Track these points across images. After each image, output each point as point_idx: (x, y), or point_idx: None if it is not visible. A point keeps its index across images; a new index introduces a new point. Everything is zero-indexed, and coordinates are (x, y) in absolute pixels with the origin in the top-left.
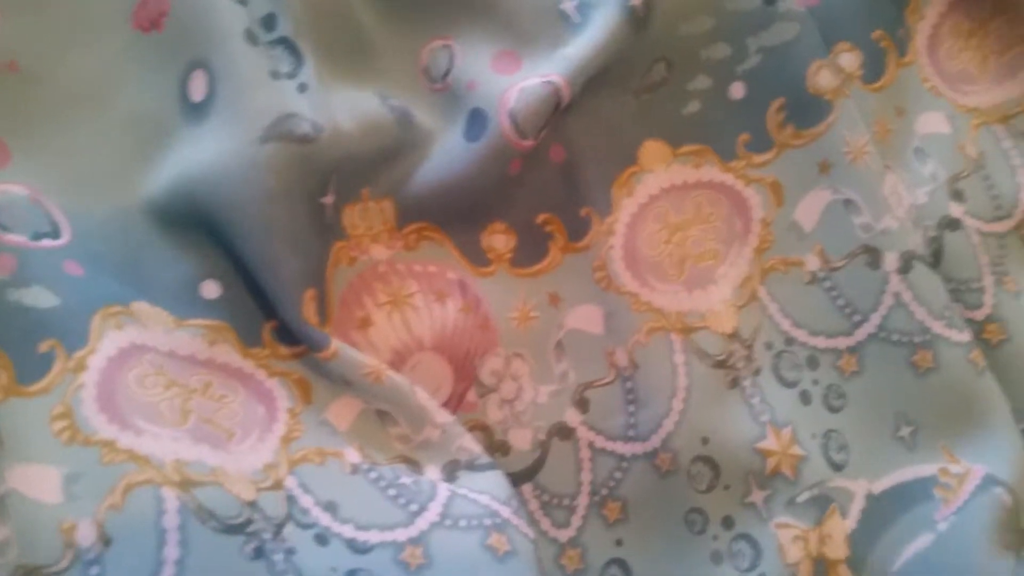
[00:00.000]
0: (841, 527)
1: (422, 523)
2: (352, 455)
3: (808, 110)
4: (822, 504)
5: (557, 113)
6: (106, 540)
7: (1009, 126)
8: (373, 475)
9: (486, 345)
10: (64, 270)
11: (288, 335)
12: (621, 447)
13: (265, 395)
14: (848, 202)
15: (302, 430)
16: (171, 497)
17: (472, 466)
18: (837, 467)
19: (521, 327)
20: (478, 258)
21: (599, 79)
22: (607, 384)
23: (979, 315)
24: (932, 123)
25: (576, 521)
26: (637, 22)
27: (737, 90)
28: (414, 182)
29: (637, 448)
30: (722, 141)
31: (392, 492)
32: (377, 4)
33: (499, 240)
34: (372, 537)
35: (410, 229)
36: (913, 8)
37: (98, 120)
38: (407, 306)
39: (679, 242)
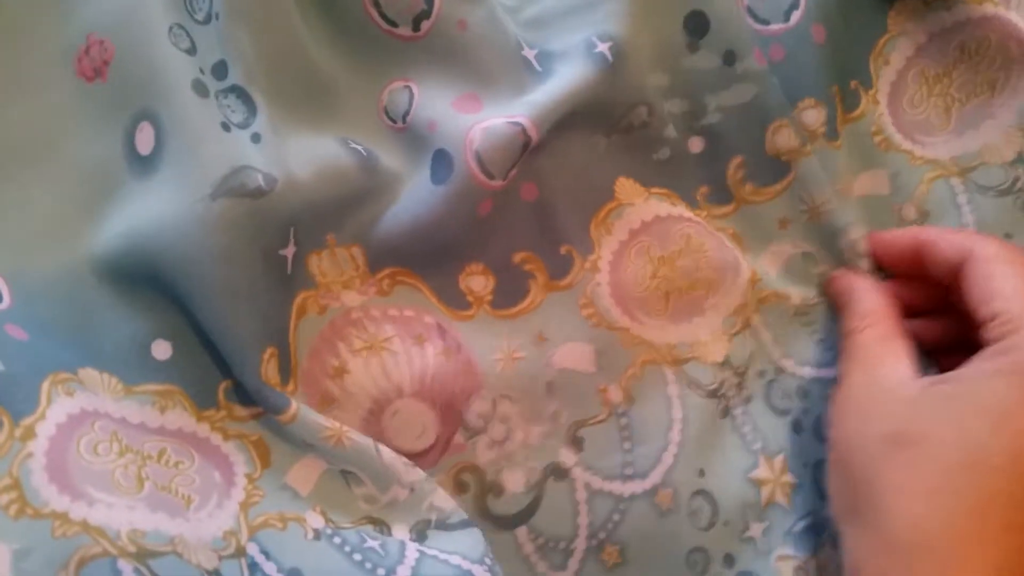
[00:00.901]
0: (832, 558)
1: None
2: (314, 519)
3: (767, 169)
4: (816, 531)
5: (526, 153)
6: None
7: (966, 180)
8: (337, 540)
9: (471, 388)
10: (7, 333)
11: (245, 394)
12: (619, 487)
13: (221, 460)
14: (806, 255)
15: (261, 495)
16: (128, 569)
17: (444, 525)
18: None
19: (507, 368)
20: (457, 301)
21: (569, 120)
22: (601, 422)
23: None
24: (870, 184)
25: (574, 565)
26: (607, 66)
27: (695, 144)
28: (382, 227)
29: (636, 487)
30: (684, 190)
31: (358, 557)
32: (335, 47)
33: (477, 282)
34: None
35: (383, 274)
36: (877, 53)
37: (42, 174)
38: (385, 351)
39: (665, 275)
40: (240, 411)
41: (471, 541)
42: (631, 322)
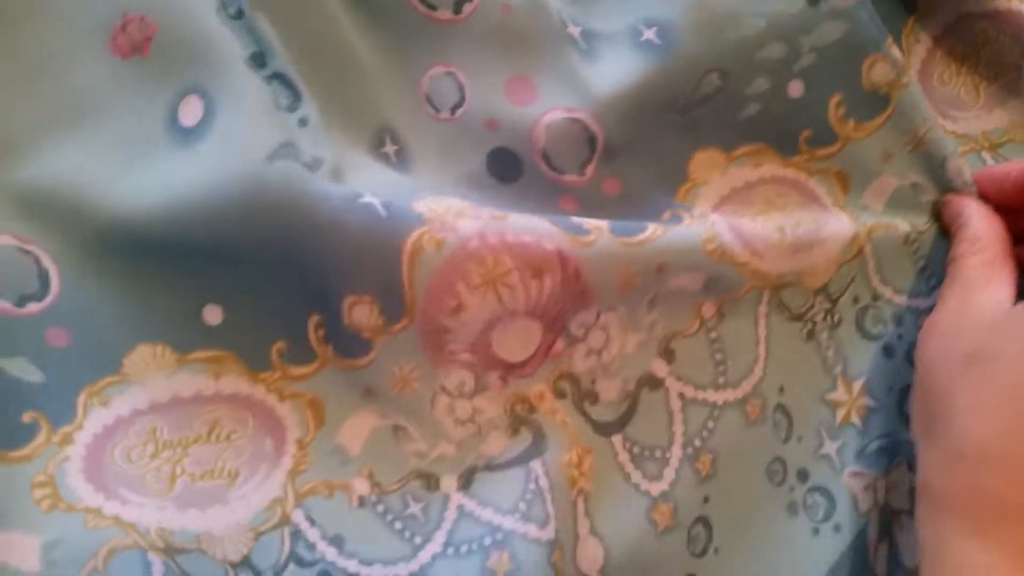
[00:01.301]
0: (906, 478)
1: (424, 556)
2: (360, 485)
3: (866, 104)
4: (889, 455)
5: (598, 148)
6: None
7: (996, 155)
8: (380, 508)
9: (581, 306)
10: (47, 342)
11: (297, 354)
12: (712, 395)
13: (275, 425)
14: (915, 185)
15: (310, 462)
16: (157, 561)
17: (492, 466)
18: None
19: (622, 291)
20: (575, 228)
21: (638, 109)
22: (691, 335)
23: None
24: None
25: (669, 474)
26: (658, 52)
27: (795, 88)
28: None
29: (729, 395)
30: (784, 139)
31: (398, 525)
32: (372, 31)
33: (591, 221)
34: (375, 572)
35: (494, 210)
36: (908, 31)
37: (74, 150)
38: (502, 286)
39: (768, 218)
40: (294, 371)
41: (512, 484)
42: (751, 256)
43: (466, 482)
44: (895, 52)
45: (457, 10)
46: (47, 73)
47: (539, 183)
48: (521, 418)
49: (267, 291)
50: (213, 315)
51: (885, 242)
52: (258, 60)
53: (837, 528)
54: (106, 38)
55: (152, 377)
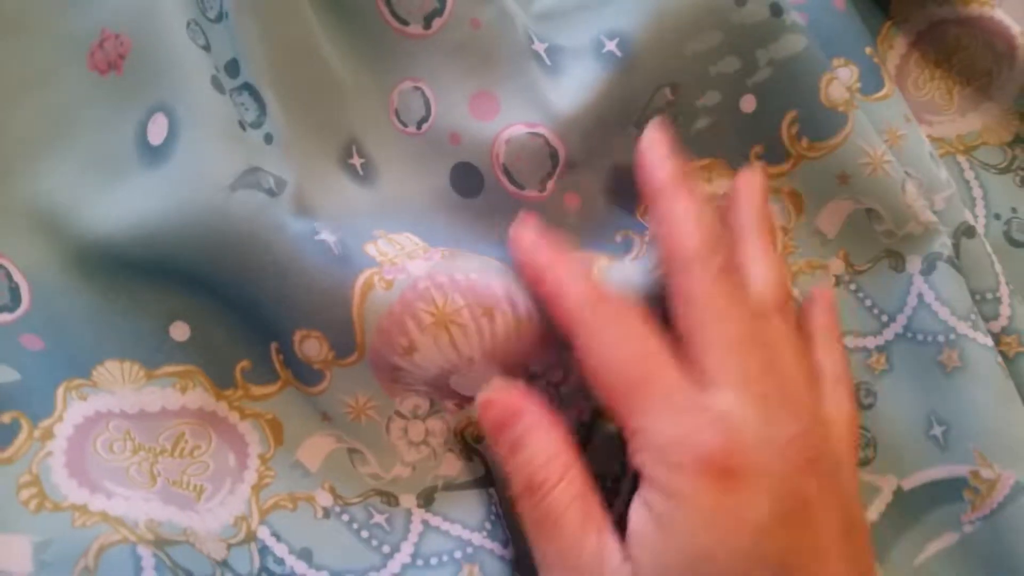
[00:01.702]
0: None
1: (394, 565)
2: (323, 497)
3: (822, 122)
4: None
5: (558, 162)
6: None
7: (971, 158)
8: (345, 517)
9: (542, 354)
10: (23, 345)
11: (260, 374)
12: None
13: (237, 440)
14: (870, 211)
15: (273, 476)
16: (147, 554)
17: (451, 486)
18: (861, 463)
19: None
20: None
21: (598, 123)
22: None
23: (995, 327)
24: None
25: (619, 506)
26: (618, 63)
27: (748, 103)
28: (422, 231)
29: None
30: (734, 153)
31: (365, 534)
32: (344, 44)
33: None
34: None
35: (444, 248)
36: (883, 38)
37: (54, 166)
38: (454, 325)
39: None
40: (256, 390)
41: (475, 504)
42: None
43: (426, 501)
44: (841, 74)
45: (427, 25)
46: (31, 89)
47: (500, 198)
48: (469, 447)
49: (229, 314)
50: (180, 332)
51: (811, 284)
52: (232, 69)
53: None
54: (85, 53)
55: (121, 389)
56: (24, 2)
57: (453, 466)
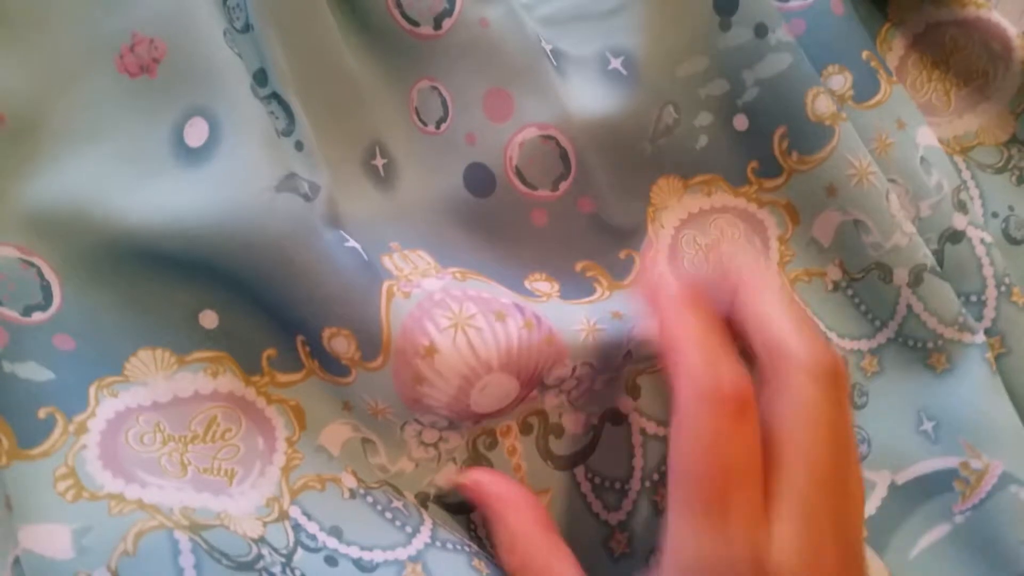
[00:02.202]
0: None
1: (418, 543)
2: (348, 479)
3: (810, 136)
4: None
5: (571, 164)
6: None
7: (967, 159)
8: (369, 499)
9: (554, 358)
10: (55, 345)
11: (285, 363)
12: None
13: (264, 424)
14: (858, 222)
15: (301, 458)
16: (184, 539)
17: (441, 501)
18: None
19: (591, 338)
20: (527, 292)
21: (613, 137)
22: (657, 371)
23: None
24: (928, 136)
25: (627, 505)
26: (624, 81)
27: (740, 122)
28: (433, 238)
29: None
30: (732, 169)
31: (389, 515)
32: (362, 48)
33: (543, 285)
34: (376, 556)
35: (454, 269)
36: (882, 40)
37: (83, 165)
38: (470, 327)
39: (715, 259)
40: (282, 377)
41: (459, 524)
42: None
43: (421, 503)
44: (834, 83)
45: (437, 26)
46: (59, 89)
47: (511, 198)
48: (477, 455)
49: (256, 308)
50: (209, 320)
51: (809, 291)
52: (260, 78)
53: None
54: (114, 55)
55: (153, 378)
56: (51, 2)
57: (447, 478)
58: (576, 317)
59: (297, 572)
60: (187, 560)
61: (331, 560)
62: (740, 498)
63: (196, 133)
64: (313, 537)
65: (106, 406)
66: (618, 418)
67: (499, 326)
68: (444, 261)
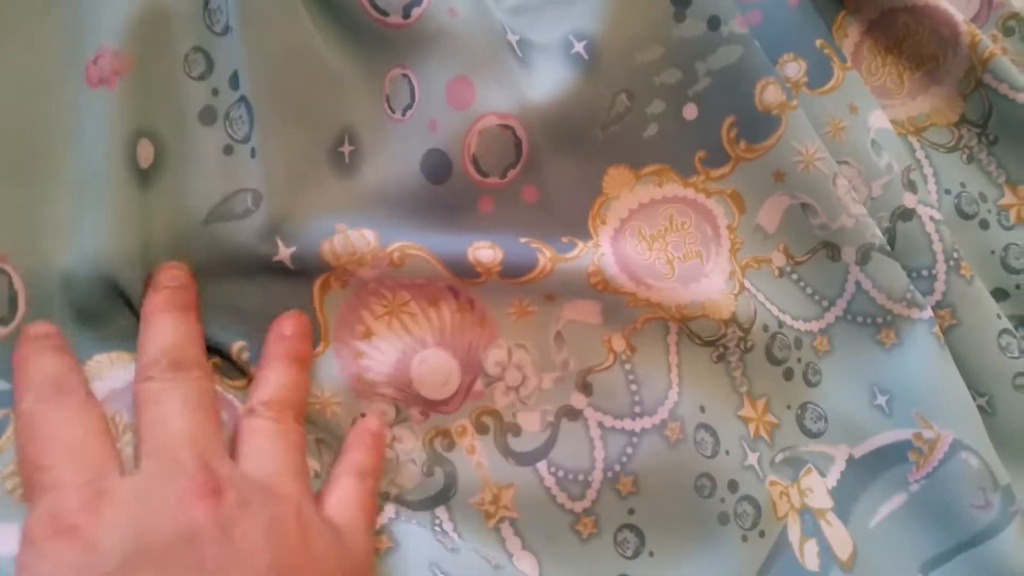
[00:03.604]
0: (820, 482)
1: (388, 512)
2: (311, 464)
3: (758, 125)
4: (796, 465)
5: (522, 153)
6: None
7: (921, 138)
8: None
9: (488, 337)
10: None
11: (230, 370)
12: (630, 424)
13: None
14: (805, 205)
15: None
16: None
17: (403, 501)
18: (813, 434)
19: (520, 320)
20: (466, 271)
21: (564, 122)
22: (607, 368)
23: (929, 301)
24: (880, 119)
25: (591, 494)
26: (584, 66)
27: (690, 111)
28: (386, 223)
29: (646, 423)
30: (680, 159)
31: None
32: (336, 39)
33: (485, 254)
34: None
35: (394, 247)
36: (838, 26)
37: (53, 174)
38: (404, 314)
39: (660, 248)
40: (229, 384)
41: (423, 522)
42: (637, 286)
43: (382, 502)
44: (788, 70)
45: (406, 15)
46: (33, 95)
47: (463, 185)
48: (437, 456)
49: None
50: None
51: (758, 276)
52: (233, 82)
53: (762, 534)
54: (83, 65)
55: (108, 374)
56: (27, 10)
57: (410, 479)
58: (508, 299)
59: None
60: None
61: None
62: None
63: (144, 154)
64: None
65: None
66: (574, 414)
67: (432, 311)
68: (387, 239)
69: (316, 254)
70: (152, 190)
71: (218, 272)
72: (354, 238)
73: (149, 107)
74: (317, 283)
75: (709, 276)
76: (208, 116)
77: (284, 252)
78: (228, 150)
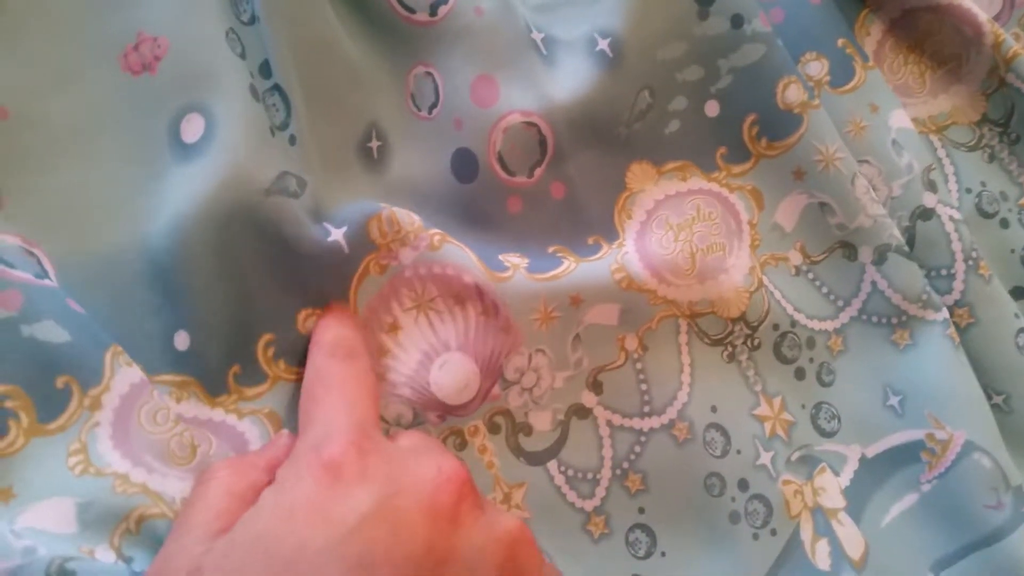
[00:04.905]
0: (834, 481)
1: None
2: None
3: (779, 123)
4: (811, 463)
5: (547, 151)
6: (127, 559)
7: (942, 137)
8: None
9: (511, 345)
10: (70, 306)
11: (250, 377)
12: (638, 423)
13: (238, 438)
14: (823, 205)
15: None
16: None
17: None
18: (827, 434)
19: (543, 327)
20: (495, 265)
21: (589, 119)
22: (618, 367)
23: (948, 300)
24: (902, 119)
25: (600, 492)
26: (609, 63)
27: (712, 108)
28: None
29: (654, 422)
30: (702, 155)
31: None
32: (361, 35)
33: (513, 258)
34: None
35: (435, 231)
36: (860, 25)
37: (88, 161)
38: (431, 310)
39: (686, 239)
40: (249, 391)
41: None
42: (659, 284)
43: None
44: (811, 69)
45: (433, 12)
46: (65, 86)
47: (491, 184)
48: (494, 424)
49: (229, 316)
50: (182, 341)
51: (776, 273)
52: (265, 70)
53: (773, 532)
54: (118, 54)
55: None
56: (58, 1)
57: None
58: (534, 304)
59: None
60: None
61: None
62: None
63: (192, 129)
64: None
65: (121, 378)
66: (584, 412)
67: (458, 310)
68: (427, 224)
69: (364, 232)
70: (202, 160)
71: (272, 246)
72: (400, 214)
73: (196, 83)
74: (359, 269)
75: (729, 271)
76: (255, 93)
77: (337, 233)
78: (272, 131)
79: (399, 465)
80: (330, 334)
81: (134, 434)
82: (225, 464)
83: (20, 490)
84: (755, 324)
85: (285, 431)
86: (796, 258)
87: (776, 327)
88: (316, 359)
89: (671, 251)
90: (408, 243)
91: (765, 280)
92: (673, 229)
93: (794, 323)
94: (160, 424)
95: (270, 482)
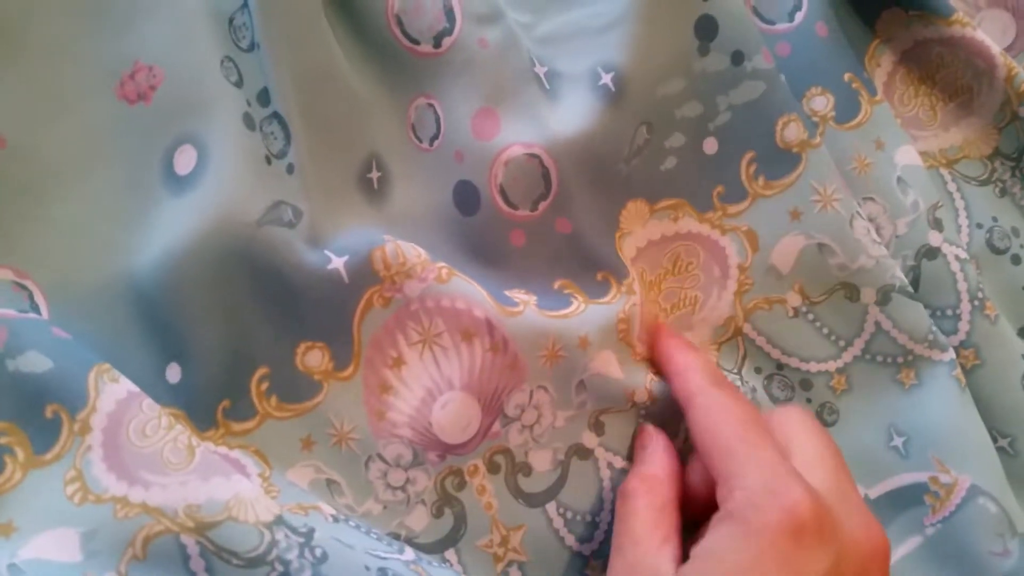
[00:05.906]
0: None
1: (409, 554)
2: (326, 508)
3: (777, 162)
4: None
5: (551, 185)
6: None
7: (953, 171)
8: (352, 523)
9: (514, 382)
10: (53, 333)
11: (239, 411)
12: None
13: (233, 462)
14: (822, 245)
15: (278, 490)
16: (191, 543)
17: (412, 542)
18: None
19: (548, 364)
20: (506, 300)
21: (590, 154)
22: (622, 411)
23: (953, 341)
24: (908, 155)
25: (599, 536)
26: (611, 98)
27: (710, 145)
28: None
29: None
30: (698, 193)
31: (374, 535)
32: (363, 64)
33: (520, 294)
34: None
35: (442, 264)
36: (870, 56)
37: (82, 192)
38: (437, 345)
39: (653, 299)
40: (237, 427)
41: (436, 563)
42: (639, 343)
43: (389, 544)
44: (816, 104)
45: (437, 44)
46: (61, 115)
47: (494, 217)
48: (447, 497)
49: (221, 349)
50: (174, 374)
51: (767, 319)
52: (263, 98)
53: None
54: (115, 82)
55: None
56: (55, 29)
57: (419, 520)
58: (542, 341)
59: (317, 550)
60: (197, 564)
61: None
62: None
63: (184, 160)
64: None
65: (106, 396)
66: (584, 453)
67: (464, 347)
68: (433, 257)
69: (367, 262)
70: (194, 192)
71: (267, 279)
72: (405, 248)
73: (190, 113)
74: (362, 300)
75: (694, 328)
76: (249, 122)
77: (337, 261)
78: (267, 160)
79: (845, 523)
80: (699, 359)
81: (125, 452)
82: (637, 481)
83: (21, 523)
84: (734, 370)
85: (648, 427)
86: (795, 300)
87: (759, 370)
88: (705, 387)
89: (648, 311)
90: (414, 276)
91: (746, 328)
92: (646, 287)
93: (781, 366)
94: (150, 436)
95: (678, 492)
